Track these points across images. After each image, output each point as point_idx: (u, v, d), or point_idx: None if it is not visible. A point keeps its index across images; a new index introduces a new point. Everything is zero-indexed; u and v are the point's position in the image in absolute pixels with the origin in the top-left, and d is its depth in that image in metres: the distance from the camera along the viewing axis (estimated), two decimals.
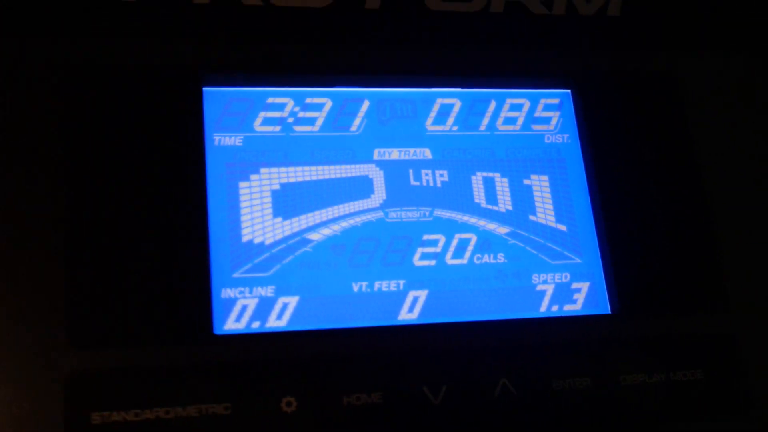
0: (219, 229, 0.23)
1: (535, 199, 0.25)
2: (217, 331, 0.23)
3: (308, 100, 0.26)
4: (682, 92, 0.37)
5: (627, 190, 0.29)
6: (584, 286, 0.25)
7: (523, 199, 0.24)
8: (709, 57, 0.39)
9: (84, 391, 0.25)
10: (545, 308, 0.25)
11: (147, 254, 0.25)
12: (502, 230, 0.24)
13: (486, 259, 0.24)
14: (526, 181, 0.25)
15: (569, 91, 0.29)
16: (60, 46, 0.31)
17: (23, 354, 0.27)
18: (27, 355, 0.27)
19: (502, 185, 0.24)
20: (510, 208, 0.24)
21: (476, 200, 0.24)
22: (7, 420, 0.27)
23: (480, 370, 0.24)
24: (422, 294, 0.23)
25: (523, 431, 0.27)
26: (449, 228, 0.24)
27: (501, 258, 0.24)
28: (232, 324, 0.23)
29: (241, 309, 0.22)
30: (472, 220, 0.24)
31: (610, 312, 0.26)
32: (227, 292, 0.23)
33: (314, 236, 0.23)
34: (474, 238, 0.24)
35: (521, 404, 0.25)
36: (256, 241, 0.23)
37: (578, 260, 0.25)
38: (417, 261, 0.23)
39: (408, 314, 0.23)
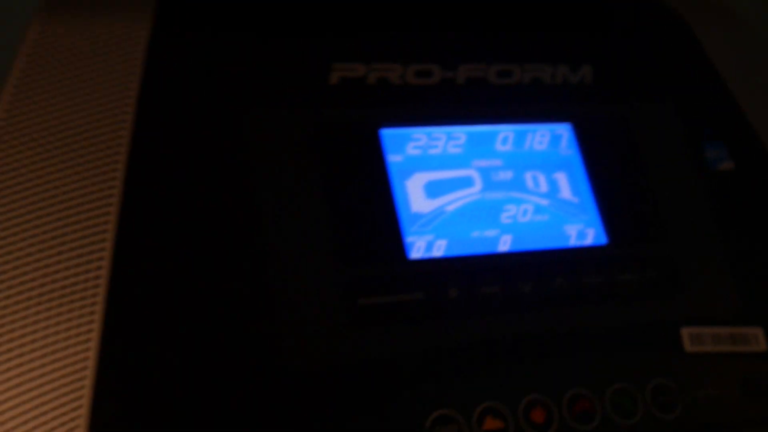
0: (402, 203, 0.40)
1: (561, 185, 0.44)
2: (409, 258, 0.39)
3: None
4: None
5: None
6: (584, 229, 0.44)
7: (554, 185, 0.43)
8: None
9: None
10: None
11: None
12: (545, 202, 0.43)
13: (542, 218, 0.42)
14: (554, 176, 0.44)
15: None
16: None
17: None
18: None
19: (542, 178, 0.43)
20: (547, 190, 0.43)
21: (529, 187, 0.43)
22: None
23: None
24: (509, 237, 0.41)
25: None
26: (518, 201, 0.42)
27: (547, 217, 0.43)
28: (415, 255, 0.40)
29: (417, 248, 0.40)
30: (529, 197, 0.43)
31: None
32: (410, 239, 0.40)
33: (449, 208, 0.41)
34: (531, 207, 0.43)
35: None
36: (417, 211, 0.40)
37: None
38: (503, 219, 0.42)
39: (503, 246, 0.41)
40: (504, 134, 0.43)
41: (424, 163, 0.41)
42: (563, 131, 0.44)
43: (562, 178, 0.43)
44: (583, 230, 0.42)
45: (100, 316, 0.33)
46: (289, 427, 0.33)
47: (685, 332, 0.41)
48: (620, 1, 0.50)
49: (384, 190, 0.40)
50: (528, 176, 0.43)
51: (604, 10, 0.49)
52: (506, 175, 0.42)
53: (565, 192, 0.43)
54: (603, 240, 0.42)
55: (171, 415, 0.32)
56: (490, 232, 0.41)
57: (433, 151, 0.42)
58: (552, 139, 0.44)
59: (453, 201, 0.41)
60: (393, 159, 0.41)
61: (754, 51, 0.50)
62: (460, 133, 0.43)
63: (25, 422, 0.30)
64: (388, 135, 0.41)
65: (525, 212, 0.42)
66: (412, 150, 0.41)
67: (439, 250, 0.39)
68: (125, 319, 0.33)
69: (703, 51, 0.49)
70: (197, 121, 0.38)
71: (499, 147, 0.43)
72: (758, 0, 0.69)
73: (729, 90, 0.48)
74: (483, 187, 0.42)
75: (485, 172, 0.42)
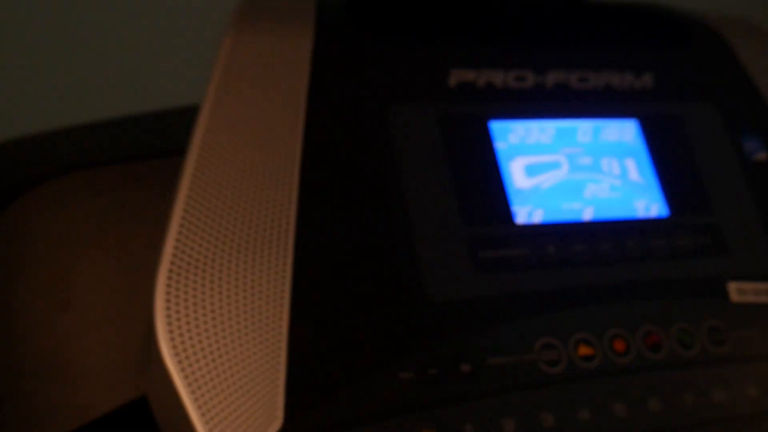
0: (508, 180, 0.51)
1: (629, 169, 0.54)
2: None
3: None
4: None
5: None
6: (649, 204, 0.54)
7: (624, 169, 0.54)
8: None
9: None
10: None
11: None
12: (617, 182, 0.54)
13: (615, 195, 0.53)
14: (624, 162, 0.55)
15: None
16: None
17: None
18: None
19: (615, 163, 0.54)
20: (619, 173, 0.54)
21: (605, 170, 0.53)
22: None
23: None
24: (591, 209, 0.52)
25: None
26: (597, 181, 0.53)
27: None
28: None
29: (521, 215, 0.51)
30: (605, 178, 0.53)
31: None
32: (515, 208, 0.50)
33: (543, 185, 0.52)
34: (607, 186, 0.53)
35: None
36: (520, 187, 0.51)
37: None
38: (586, 195, 0.52)
39: (587, 216, 0.52)
40: (584, 128, 0.54)
41: (523, 149, 0.52)
42: (631, 126, 0.55)
43: (630, 164, 0.54)
44: (649, 205, 0.53)
45: (291, 264, 0.43)
46: (428, 345, 0.43)
47: (732, 286, 0.51)
48: (673, 22, 0.61)
49: (494, 169, 0.50)
50: (604, 162, 0.53)
51: (662, 29, 0.60)
52: (587, 160, 0.53)
53: (633, 174, 0.53)
54: (665, 213, 0.52)
55: (346, 333, 0.42)
56: (576, 205, 0.51)
57: (529, 141, 0.52)
58: (622, 132, 0.54)
59: (546, 180, 0.51)
60: (500, 146, 0.51)
61: None
62: (550, 126, 0.53)
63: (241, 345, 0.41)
64: (496, 127, 0.51)
65: (602, 190, 0.52)
66: (513, 139, 0.52)
67: (538, 217, 0.50)
68: (309, 270, 0.43)
69: (739, 61, 0.60)
70: (352, 112, 0.48)
71: (581, 138, 0.53)
72: None
73: (761, 93, 0.59)
74: (569, 170, 0.52)
75: (571, 158, 0.52)
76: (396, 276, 0.44)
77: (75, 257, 0.43)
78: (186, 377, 0.39)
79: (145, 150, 0.48)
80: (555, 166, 0.52)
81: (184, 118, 0.46)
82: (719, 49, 0.60)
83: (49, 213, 0.43)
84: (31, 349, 0.42)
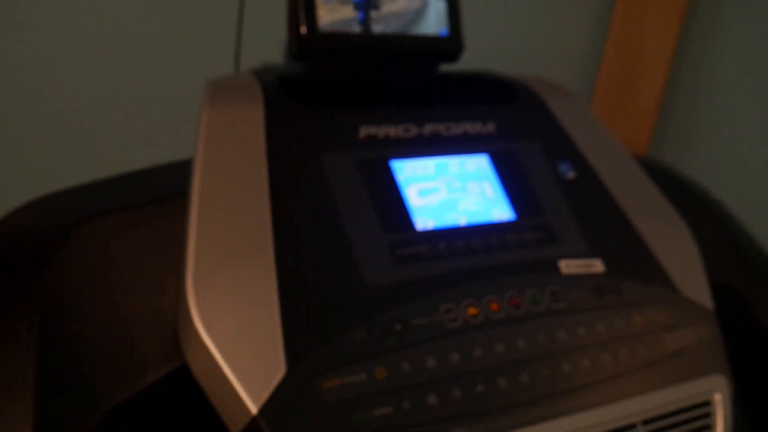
0: (407, 201, 0.73)
1: (486, 189, 0.78)
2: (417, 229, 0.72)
3: None
4: None
5: None
6: (501, 211, 0.78)
7: (483, 189, 0.78)
8: None
9: None
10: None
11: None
12: (479, 198, 0.77)
13: (479, 207, 0.76)
14: (482, 184, 0.78)
15: None
16: None
17: None
18: None
19: (476, 185, 0.77)
20: (479, 192, 0.77)
21: (470, 190, 0.77)
22: None
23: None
24: (464, 217, 0.75)
25: None
26: (466, 198, 0.76)
27: None
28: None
29: (420, 224, 0.72)
30: (471, 196, 0.76)
31: None
32: (415, 219, 0.72)
33: (431, 203, 0.74)
34: (473, 201, 0.76)
35: None
36: (415, 205, 0.73)
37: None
38: (460, 208, 0.75)
39: (462, 222, 0.75)
40: (453, 162, 0.77)
41: (414, 179, 0.74)
42: (484, 159, 0.78)
43: (486, 185, 0.77)
44: (501, 213, 0.76)
45: (274, 267, 0.62)
46: (370, 315, 0.64)
47: (561, 263, 0.75)
48: (505, 84, 0.85)
49: (397, 194, 0.72)
50: (469, 185, 0.76)
51: (498, 90, 0.84)
52: (458, 184, 0.76)
53: (489, 192, 0.77)
54: (513, 217, 0.76)
55: (318, 311, 0.62)
56: (454, 215, 0.74)
57: (418, 173, 0.74)
58: (478, 164, 0.78)
59: (432, 199, 0.74)
60: (399, 177, 0.73)
61: (578, 111, 0.87)
62: (431, 162, 0.76)
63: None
64: (395, 164, 0.73)
65: (470, 204, 0.75)
66: (407, 172, 0.74)
67: (430, 225, 0.72)
68: (285, 271, 0.63)
69: (549, 110, 0.85)
70: (297, 160, 0.69)
71: (452, 169, 0.76)
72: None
73: (566, 132, 0.84)
74: (447, 192, 0.75)
75: (447, 183, 0.75)
76: (343, 270, 0.65)
77: (123, 269, 0.60)
78: (215, 343, 0.57)
79: (156, 195, 0.65)
80: (437, 189, 0.74)
81: (181, 169, 0.65)
82: (536, 102, 0.85)
83: (100, 241, 0.60)
84: (101, 331, 0.59)
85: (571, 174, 0.81)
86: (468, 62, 0.93)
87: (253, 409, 0.56)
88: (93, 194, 0.66)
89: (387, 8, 0.80)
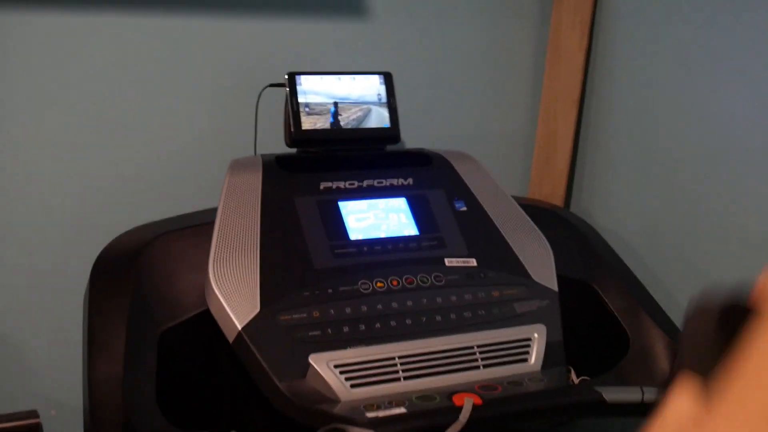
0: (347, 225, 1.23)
1: (403, 219, 1.26)
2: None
3: None
4: None
5: None
6: (411, 229, 1.25)
7: (401, 219, 1.26)
8: None
9: None
10: None
11: None
12: (397, 223, 1.25)
13: (397, 228, 1.24)
14: (400, 215, 1.27)
15: None
16: None
17: None
18: None
19: (395, 216, 1.26)
20: (397, 220, 1.26)
21: (391, 220, 1.26)
22: None
23: None
24: (385, 234, 1.23)
25: None
26: (388, 223, 1.25)
27: None
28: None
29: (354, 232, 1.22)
30: (391, 223, 1.25)
31: None
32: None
33: (366, 225, 1.24)
34: (394, 223, 1.25)
35: None
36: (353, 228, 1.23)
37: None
38: (382, 228, 1.24)
39: (383, 234, 1.23)
40: (382, 202, 1.26)
41: (353, 212, 1.24)
42: (402, 200, 1.27)
43: (402, 215, 1.26)
44: (409, 230, 1.24)
45: (258, 260, 1.14)
46: (317, 284, 1.13)
47: (446, 260, 1.22)
48: (425, 156, 1.35)
49: (341, 220, 1.22)
50: (390, 215, 1.25)
51: (419, 160, 1.34)
52: (382, 215, 1.25)
53: (403, 220, 1.25)
54: (417, 233, 1.24)
55: (285, 282, 1.12)
56: (377, 232, 1.23)
57: (356, 208, 1.24)
58: (399, 203, 1.27)
59: (364, 223, 1.23)
60: (343, 211, 1.23)
61: (477, 171, 1.34)
62: (365, 202, 1.26)
63: None
64: (341, 203, 1.24)
65: (389, 226, 1.24)
66: (349, 208, 1.24)
67: (361, 236, 1.21)
68: (266, 265, 1.13)
69: (455, 170, 1.33)
70: (278, 200, 1.20)
71: (379, 206, 1.26)
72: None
73: (464, 183, 1.32)
74: (374, 218, 1.24)
75: (375, 215, 1.25)
76: (300, 260, 1.15)
77: (177, 260, 1.13)
78: (221, 294, 1.08)
79: (198, 221, 1.18)
80: (367, 218, 1.24)
81: (215, 212, 1.18)
82: (445, 165, 1.34)
83: (165, 245, 1.13)
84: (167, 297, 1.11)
85: (463, 208, 1.29)
86: (441, 144, 1.42)
87: (239, 327, 1.06)
88: (164, 224, 1.20)
89: (346, 115, 1.32)
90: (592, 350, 1.28)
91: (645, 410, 1.07)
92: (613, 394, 1.06)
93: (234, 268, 1.11)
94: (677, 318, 1.28)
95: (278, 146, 1.30)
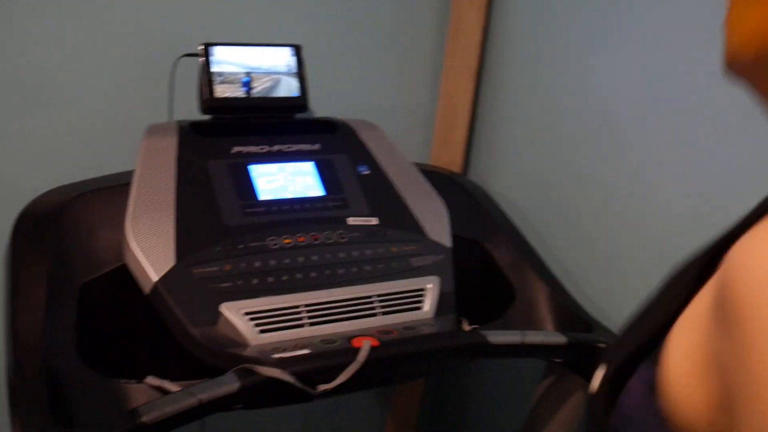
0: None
1: (312, 180, 1.36)
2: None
3: None
4: None
5: None
6: (317, 190, 1.35)
7: (307, 180, 1.36)
8: None
9: None
10: None
11: None
12: (302, 183, 1.35)
13: (303, 188, 1.34)
14: (308, 177, 1.37)
15: None
16: None
17: None
18: None
19: (301, 178, 1.36)
20: (304, 182, 1.36)
21: (297, 182, 1.36)
22: None
23: None
24: (291, 194, 1.33)
25: None
26: (294, 182, 1.35)
27: None
28: None
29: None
30: (298, 183, 1.35)
31: None
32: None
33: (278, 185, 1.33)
34: (300, 185, 1.35)
35: None
36: (263, 189, 1.32)
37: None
38: (291, 189, 1.34)
39: (290, 195, 1.33)
40: (290, 165, 1.36)
41: (264, 175, 1.33)
42: (310, 164, 1.37)
43: (309, 178, 1.35)
44: (316, 191, 1.34)
45: (174, 216, 1.22)
46: (228, 239, 1.22)
47: (349, 219, 1.32)
48: (331, 123, 1.45)
49: (250, 183, 1.31)
50: (297, 178, 1.35)
51: (325, 126, 1.43)
52: (291, 178, 1.34)
53: (310, 182, 1.35)
54: (324, 193, 1.34)
55: (198, 238, 1.21)
56: (285, 193, 1.32)
57: (266, 171, 1.34)
58: (306, 167, 1.37)
59: (273, 185, 1.32)
60: (253, 174, 1.32)
61: (379, 138, 1.45)
62: (275, 165, 1.35)
63: None
64: (251, 167, 1.33)
65: (297, 187, 1.33)
66: (259, 171, 1.33)
67: (270, 197, 1.31)
68: (180, 221, 1.22)
69: (358, 136, 1.43)
70: (192, 163, 1.29)
71: (288, 169, 1.35)
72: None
73: (367, 148, 1.42)
74: (284, 180, 1.33)
75: (285, 177, 1.34)
76: (213, 218, 1.23)
77: (98, 217, 1.21)
78: (140, 248, 1.16)
79: (116, 183, 1.26)
80: (277, 180, 1.33)
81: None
82: (350, 132, 1.44)
83: (85, 204, 1.20)
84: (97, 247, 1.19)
85: (366, 172, 1.39)
86: (349, 115, 1.51)
87: (155, 279, 1.14)
88: (84, 185, 1.27)
89: (257, 84, 1.41)
90: (483, 302, 1.41)
91: (526, 351, 1.20)
92: (496, 336, 1.18)
93: (150, 225, 1.19)
94: (559, 272, 1.42)
95: (193, 113, 1.38)
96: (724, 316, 0.42)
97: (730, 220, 0.65)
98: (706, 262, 0.53)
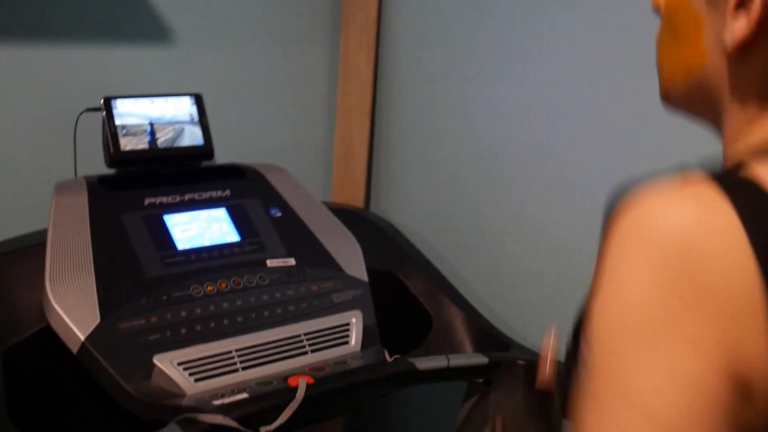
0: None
1: (224, 225, 1.37)
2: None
3: None
4: None
5: None
6: (232, 236, 1.37)
7: (221, 226, 1.37)
8: None
9: None
10: None
11: None
12: (218, 230, 1.37)
13: (219, 234, 1.36)
14: (222, 223, 1.38)
15: None
16: None
17: None
18: None
19: (217, 225, 1.37)
20: (219, 229, 1.37)
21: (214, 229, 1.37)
22: None
23: None
24: (208, 240, 1.34)
25: None
26: (211, 230, 1.36)
27: None
28: None
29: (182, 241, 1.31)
30: (213, 231, 1.36)
31: None
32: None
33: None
34: (216, 231, 1.36)
35: None
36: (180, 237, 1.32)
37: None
38: (207, 237, 1.35)
39: (207, 243, 1.34)
40: (204, 213, 1.37)
41: (178, 224, 1.33)
42: (223, 210, 1.39)
43: (223, 224, 1.37)
44: (231, 237, 1.36)
45: (93, 272, 1.20)
46: (150, 291, 1.22)
47: (267, 261, 1.34)
48: (238, 169, 1.47)
49: (167, 232, 1.31)
50: (212, 225, 1.36)
51: (233, 172, 1.45)
52: (205, 225, 1.35)
53: (225, 228, 1.37)
54: (239, 239, 1.36)
55: (120, 292, 1.20)
56: (202, 240, 1.33)
57: (180, 220, 1.34)
58: (219, 213, 1.38)
59: (189, 233, 1.33)
60: (168, 224, 1.33)
61: (287, 180, 1.48)
62: (188, 214, 1.36)
63: None
64: (166, 217, 1.33)
65: (212, 234, 1.35)
66: (174, 221, 1.33)
67: (188, 246, 1.31)
68: (101, 274, 1.20)
69: (268, 181, 1.46)
70: (106, 218, 1.28)
71: (201, 217, 1.36)
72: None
73: (276, 190, 1.45)
74: (198, 228, 1.34)
75: (199, 225, 1.35)
76: (133, 270, 1.23)
77: (20, 278, 1.18)
78: (62, 309, 1.14)
79: (28, 243, 1.23)
80: (191, 229, 1.34)
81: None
82: (258, 176, 1.46)
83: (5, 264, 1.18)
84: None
85: (278, 214, 1.42)
86: (249, 158, 1.53)
87: (82, 337, 1.13)
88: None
89: (161, 135, 1.41)
90: (402, 332, 1.46)
91: (451, 374, 1.26)
92: (423, 363, 1.23)
93: (70, 284, 1.17)
94: (470, 296, 1.49)
95: (100, 168, 1.37)
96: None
97: None
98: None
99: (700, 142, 0.73)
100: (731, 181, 0.47)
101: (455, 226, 1.63)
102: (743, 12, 0.50)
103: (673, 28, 0.58)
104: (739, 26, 0.51)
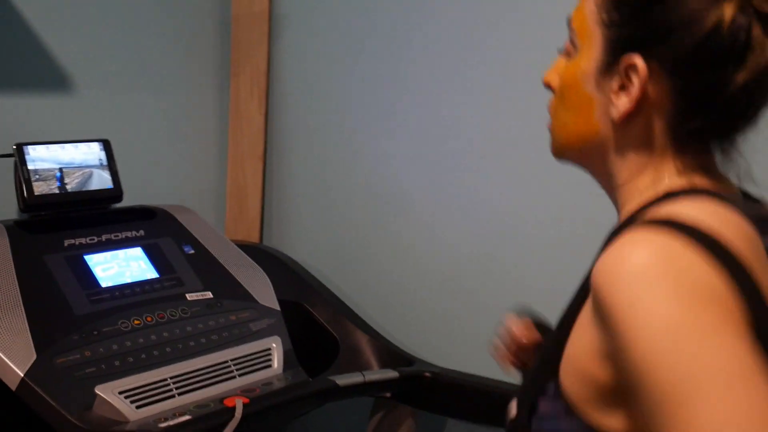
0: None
1: (143, 264, 1.43)
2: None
3: None
4: None
5: None
6: (154, 273, 1.43)
7: (140, 265, 1.43)
8: None
9: None
10: None
11: None
12: (137, 268, 1.42)
13: (139, 273, 1.41)
14: (140, 262, 1.44)
15: None
16: None
17: None
18: None
19: (135, 263, 1.43)
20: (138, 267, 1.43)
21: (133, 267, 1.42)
22: None
23: None
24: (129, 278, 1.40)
25: None
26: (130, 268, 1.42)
27: None
28: None
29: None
30: (131, 269, 1.42)
31: None
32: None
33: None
34: (135, 270, 1.41)
35: None
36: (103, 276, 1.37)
37: None
38: (126, 275, 1.40)
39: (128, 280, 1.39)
40: (122, 252, 1.43)
41: (100, 263, 1.39)
42: (139, 249, 1.45)
43: (143, 262, 1.43)
44: (150, 274, 1.42)
45: (23, 313, 1.24)
46: (80, 327, 1.27)
47: (187, 295, 1.42)
48: (150, 211, 1.53)
49: (90, 272, 1.36)
50: (131, 263, 1.42)
51: (145, 214, 1.52)
52: (124, 263, 1.41)
53: (143, 266, 1.43)
54: (157, 276, 1.43)
55: (52, 330, 1.24)
56: (123, 278, 1.39)
57: (100, 260, 1.39)
58: (136, 252, 1.44)
59: (110, 272, 1.38)
60: (90, 263, 1.37)
61: (195, 220, 1.56)
62: (110, 253, 1.41)
63: None
64: (87, 257, 1.38)
65: (132, 272, 1.41)
66: (95, 260, 1.38)
67: (110, 283, 1.37)
68: (33, 314, 1.24)
69: (179, 222, 1.54)
70: (29, 260, 1.31)
71: (120, 256, 1.42)
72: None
73: (188, 230, 1.53)
74: (118, 267, 1.40)
75: (118, 264, 1.41)
76: (62, 309, 1.27)
77: None
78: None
79: None
80: (112, 267, 1.39)
81: None
82: (168, 217, 1.54)
83: None
84: None
85: (191, 251, 1.50)
86: (144, 200, 1.59)
87: (22, 374, 1.16)
88: None
89: (70, 179, 1.46)
90: (311, 357, 1.56)
91: (367, 388, 1.38)
92: (342, 379, 1.34)
93: (2, 324, 1.20)
94: (371, 319, 1.62)
95: (9, 213, 1.41)
96: (602, 316, 0.60)
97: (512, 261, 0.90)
98: (584, 283, 0.71)
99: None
100: (679, 226, 0.59)
101: (347, 259, 1.76)
102: (624, 93, 0.66)
103: (567, 104, 0.73)
104: (622, 103, 0.67)
